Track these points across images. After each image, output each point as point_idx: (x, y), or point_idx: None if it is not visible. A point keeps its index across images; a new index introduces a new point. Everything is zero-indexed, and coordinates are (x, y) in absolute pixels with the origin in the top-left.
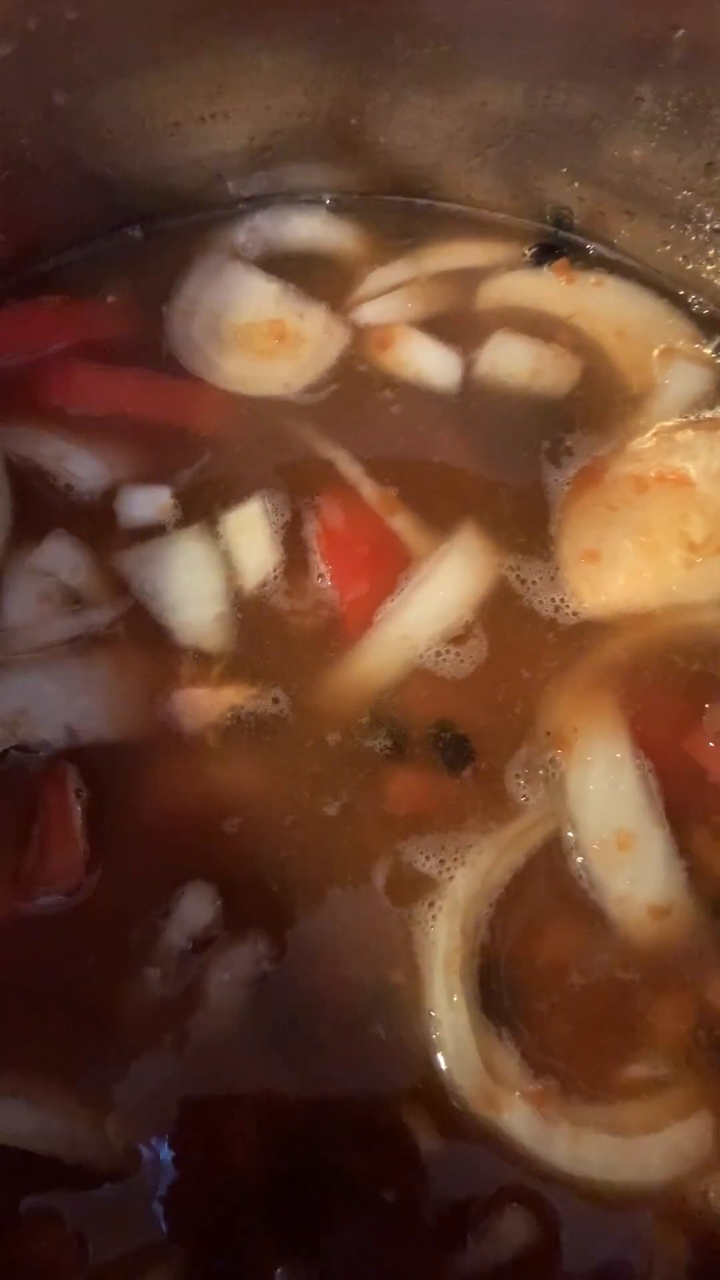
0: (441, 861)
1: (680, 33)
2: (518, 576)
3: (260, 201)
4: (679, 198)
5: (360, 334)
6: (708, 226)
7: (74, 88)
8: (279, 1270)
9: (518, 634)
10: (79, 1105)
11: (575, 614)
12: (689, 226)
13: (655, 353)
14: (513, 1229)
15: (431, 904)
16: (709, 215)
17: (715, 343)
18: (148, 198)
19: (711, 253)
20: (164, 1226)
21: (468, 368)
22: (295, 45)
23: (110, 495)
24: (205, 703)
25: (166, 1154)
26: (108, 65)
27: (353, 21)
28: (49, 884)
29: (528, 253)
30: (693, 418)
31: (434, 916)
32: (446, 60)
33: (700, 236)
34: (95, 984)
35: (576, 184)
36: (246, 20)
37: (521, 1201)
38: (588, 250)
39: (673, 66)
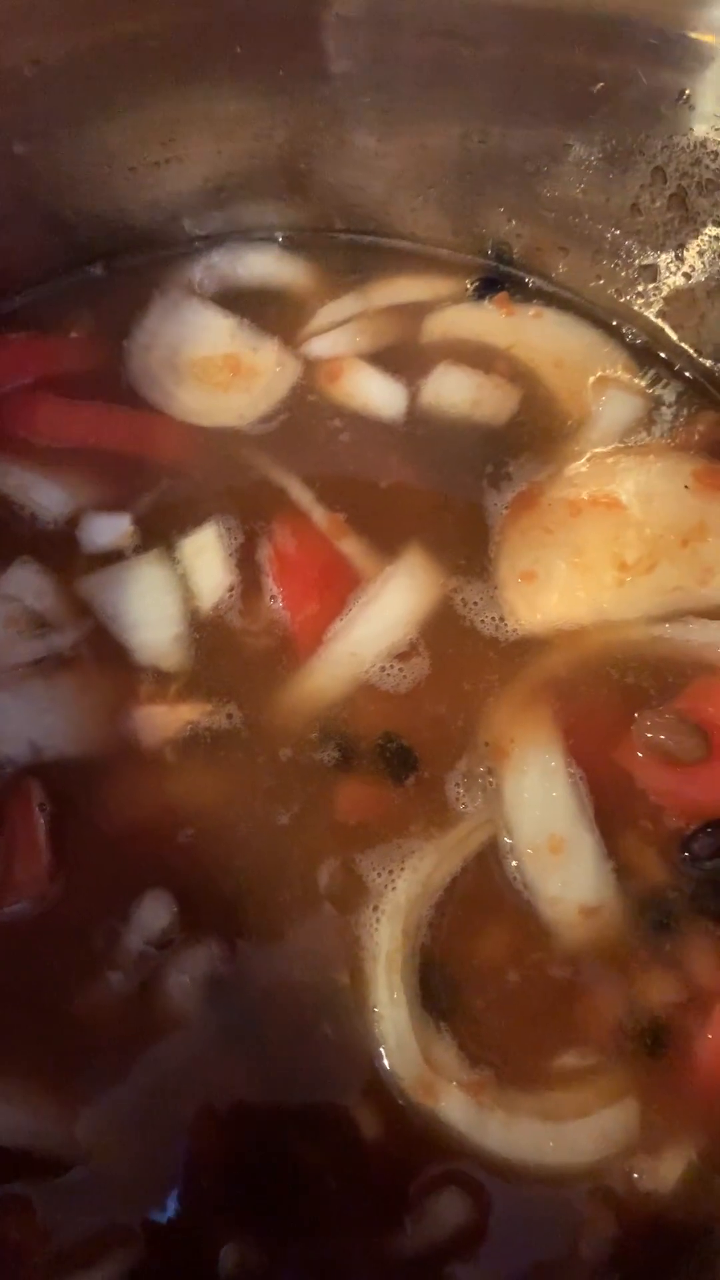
0: (386, 868)
1: (600, 85)
2: (459, 596)
3: (216, 239)
4: (609, 235)
5: (311, 366)
6: (636, 262)
7: (32, 138)
8: (226, 1246)
9: (459, 650)
10: (44, 1100)
11: (513, 631)
12: (619, 262)
13: (591, 381)
14: (449, 1210)
15: (375, 908)
16: (635, 252)
17: (649, 373)
18: (108, 237)
19: (641, 287)
20: (125, 1211)
21: (413, 398)
22: (243, 94)
23: (73, 523)
24: (163, 719)
25: (126, 1143)
26: (64, 116)
27: (295, 72)
28: (14, 892)
29: (470, 286)
30: (625, 444)
31: (378, 919)
32: (386, 107)
33: (629, 272)
34: (59, 986)
35: (514, 221)
36: (193, 73)
37: (457, 1184)
38: (527, 283)
39: (597, 116)
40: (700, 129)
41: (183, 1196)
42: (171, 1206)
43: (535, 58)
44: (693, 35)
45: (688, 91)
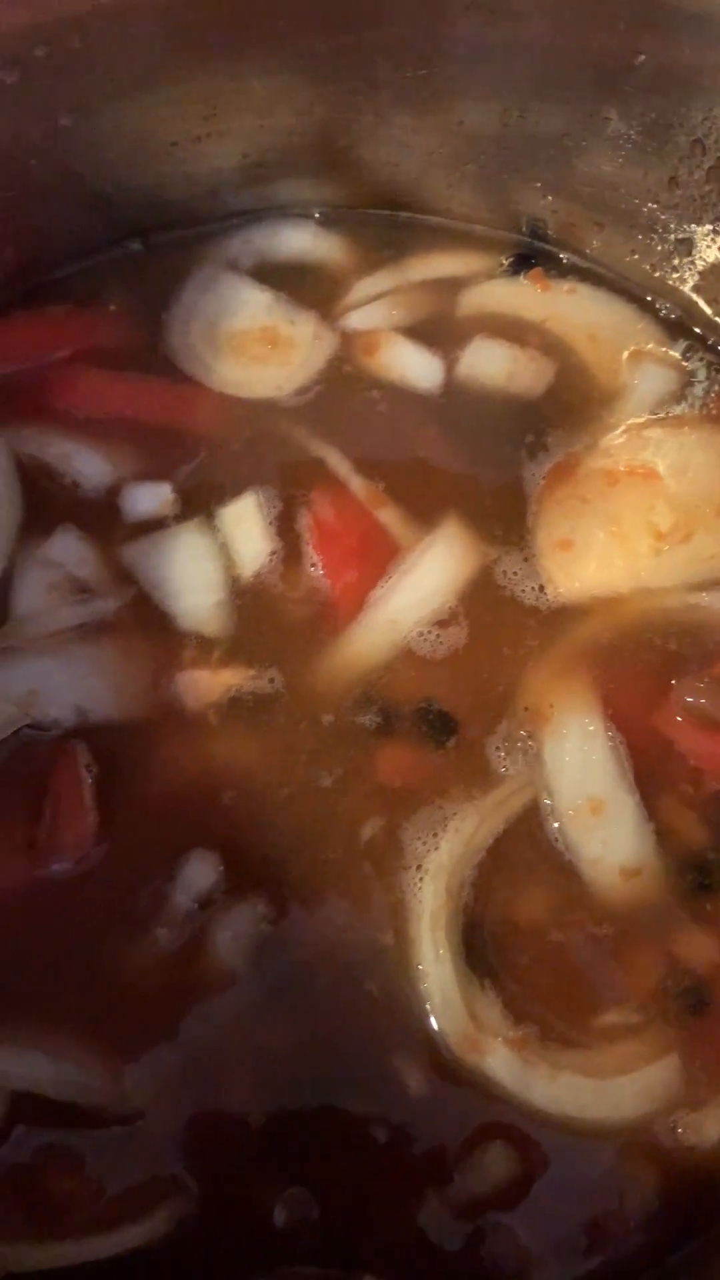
0: (429, 829)
1: (642, 58)
2: (497, 565)
3: (253, 215)
4: (645, 210)
5: (348, 340)
6: (671, 237)
7: (77, 111)
8: (281, 1197)
9: (497, 618)
10: (92, 1056)
11: (551, 599)
12: (654, 237)
13: (625, 355)
14: (495, 1163)
15: (419, 867)
16: (672, 226)
17: (681, 345)
18: (147, 212)
19: (676, 261)
20: (174, 1163)
21: (449, 371)
22: (284, 70)
23: (114, 492)
24: (206, 684)
25: (175, 1097)
26: (108, 90)
27: (337, 48)
28: (61, 852)
29: (505, 262)
30: (660, 415)
31: (421, 879)
32: (425, 83)
33: (665, 246)
34: (107, 945)
35: (549, 197)
36: (238, 47)
37: (503, 1138)
38: (561, 259)
39: (636, 89)
40: None
41: (231, 1150)
42: (220, 1159)
43: (577, 32)
44: None
45: None
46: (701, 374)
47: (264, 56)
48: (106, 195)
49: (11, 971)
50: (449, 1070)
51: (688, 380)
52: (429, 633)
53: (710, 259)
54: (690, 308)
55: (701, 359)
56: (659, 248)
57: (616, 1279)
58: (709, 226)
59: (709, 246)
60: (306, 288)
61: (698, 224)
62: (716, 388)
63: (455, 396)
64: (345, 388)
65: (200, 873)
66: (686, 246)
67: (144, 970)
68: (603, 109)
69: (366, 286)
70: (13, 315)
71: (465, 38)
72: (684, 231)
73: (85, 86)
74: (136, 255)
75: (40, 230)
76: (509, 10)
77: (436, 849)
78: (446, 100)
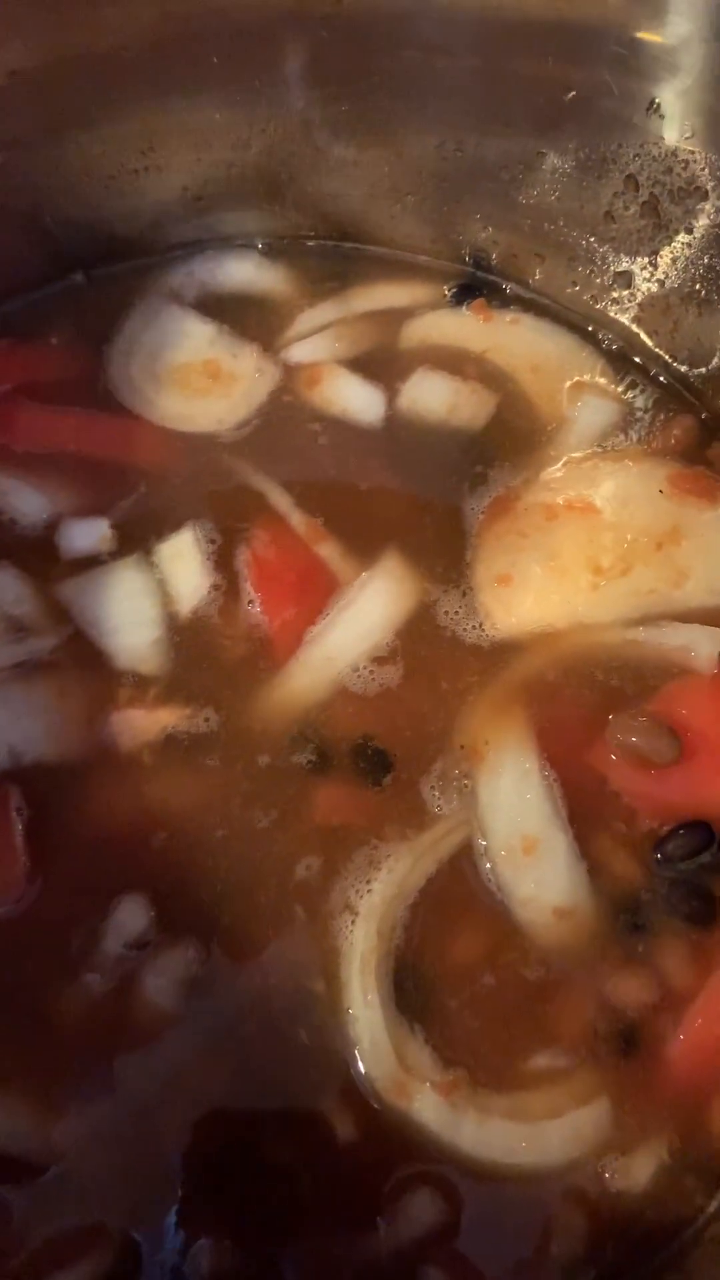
0: (362, 870)
1: (572, 94)
2: (436, 600)
3: (196, 247)
4: (584, 243)
5: (290, 372)
6: (610, 269)
7: (9, 149)
8: (201, 1241)
9: (435, 654)
10: (20, 1102)
11: (489, 635)
12: (594, 269)
13: (567, 386)
14: (422, 1210)
15: (351, 909)
16: (610, 259)
17: (624, 377)
18: (89, 245)
19: (616, 293)
20: (98, 1212)
21: (391, 403)
22: (220, 105)
23: (52, 528)
24: (141, 723)
25: (103, 1145)
26: (40, 127)
27: (270, 82)
28: None
29: (448, 293)
30: (601, 448)
31: (353, 921)
32: (361, 117)
33: (604, 278)
34: (36, 989)
35: (490, 229)
36: (170, 84)
37: (431, 1184)
38: (504, 290)
39: (569, 125)
40: (671, 137)
41: (158, 1198)
42: (147, 1208)
43: (508, 68)
44: (660, 43)
45: (658, 100)
46: (643, 405)
47: (197, 92)
48: (45, 228)
49: None
50: (377, 1115)
51: (629, 412)
52: (367, 670)
53: (648, 291)
54: (631, 339)
55: (642, 391)
56: (599, 280)
57: None
58: (645, 260)
59: (646, 280)
60: (250, 319)
61: (634, 257)
62: (659, 420)
63: (397, 429)
64: (287, 421)
65: (131, 916)
66: (626, 279)
67: (74, 1015)
68: (538, 144)
69: (310, 318)
70: None
71: (399, 73)
72: (622, 264)
73: (15, 124)
74: (78, 288)
75: None
76: (440, 46)
77: (369, 891)
78: (383, 133)
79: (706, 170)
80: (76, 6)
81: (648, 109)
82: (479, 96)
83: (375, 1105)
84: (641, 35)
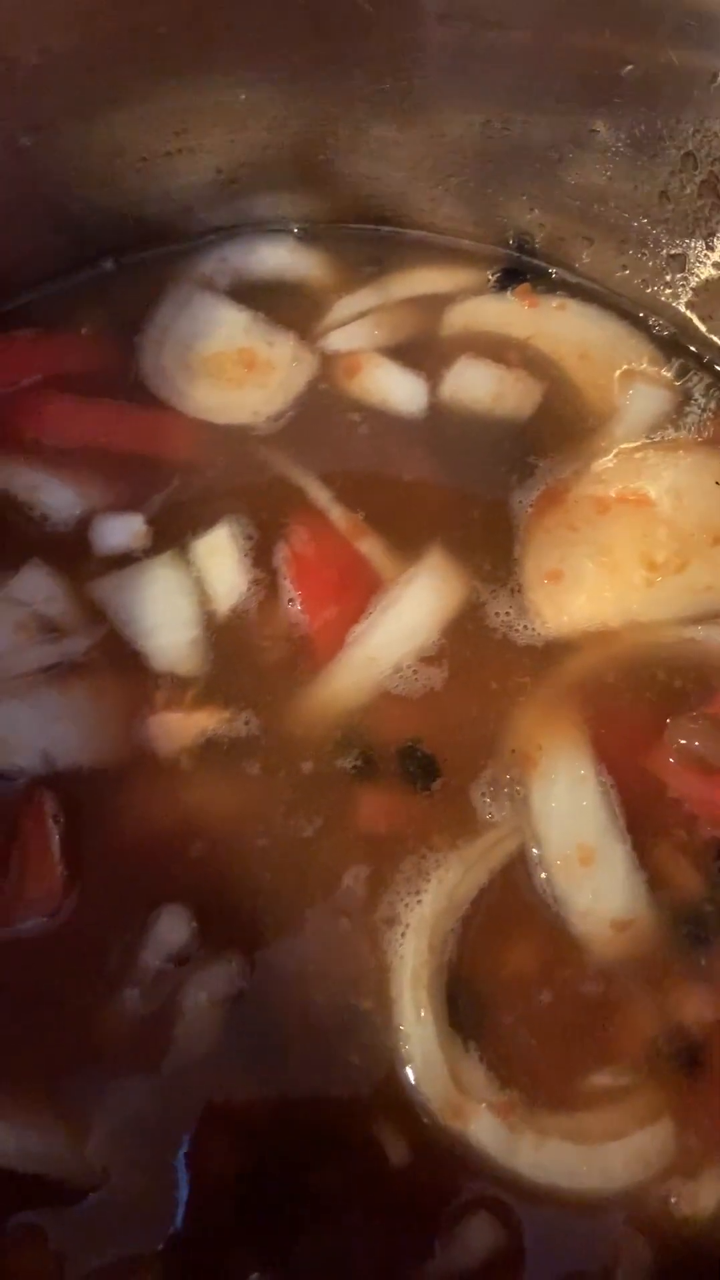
0: (410, 881)
1: (629, 68)
2: (483, 598)
3: (229, 232)
4: (636, 225)
5: (328, 361)
6: (664, 252)
7: (37, 131)
8: (253, 1276)
9: (483, 654)
10: (58, 1124)
11: (539, 634)
12: (646, 252)
13: (616, 375)
14: (479, 1236)
15: (400, 922)
16: (664, 241)
17: (675, 365)
18: (119, 231)
19: (669, 277)
20: (141, 1239)
21: (433, 392)
22: (256, 83)
23: (84, 524)
24: (179, 726)
25: (143, 1169)
26: (71, 107)
27: (310, 59)
28: (27, 908)
29: (492, 278)
30: (653, 438)
31: (402, 934)
32: (403, 94)
33: (657, 261)
34: (74, 1005)
35: (536, 211)
36: (206, 61)
37: (488, 1209)
38: (550, 274)
39: (624, 100)
40: None
41: (200, 1224)
42: (188, 1235)
43: (561, 41)
44: None
45: None
46: (697, 394)
47: (233, 69)
48: (74, 214)
49: None
50: (430, 1137)
51: (682, 401)
52: (412, 671)
53: (704, 275)
54: (684, 325)
55: (697, 379)
56: (651, 263)
57: None
58: (702, 242)
59: (702, 262)
60: (285, 307)
61: (690, 239)
62: (712, 409)
63: (439, 420)
64: (325, 412)
65: (172, 929)
66: (679, 262)
67: (112, 1032)
68: (589, 120)
69: (347, 305)
70: None
71: (444, 47)
72: (676, 246)
73: (45, 105)
74: (108, 275)
75: (4, 253)
76: (489, 19)
77: (419, 902)
78: (426, 111)
79: None
80: None
81: (710, 82)
82: (529, 71)
83: (429, 1127)
84: (708, 6)
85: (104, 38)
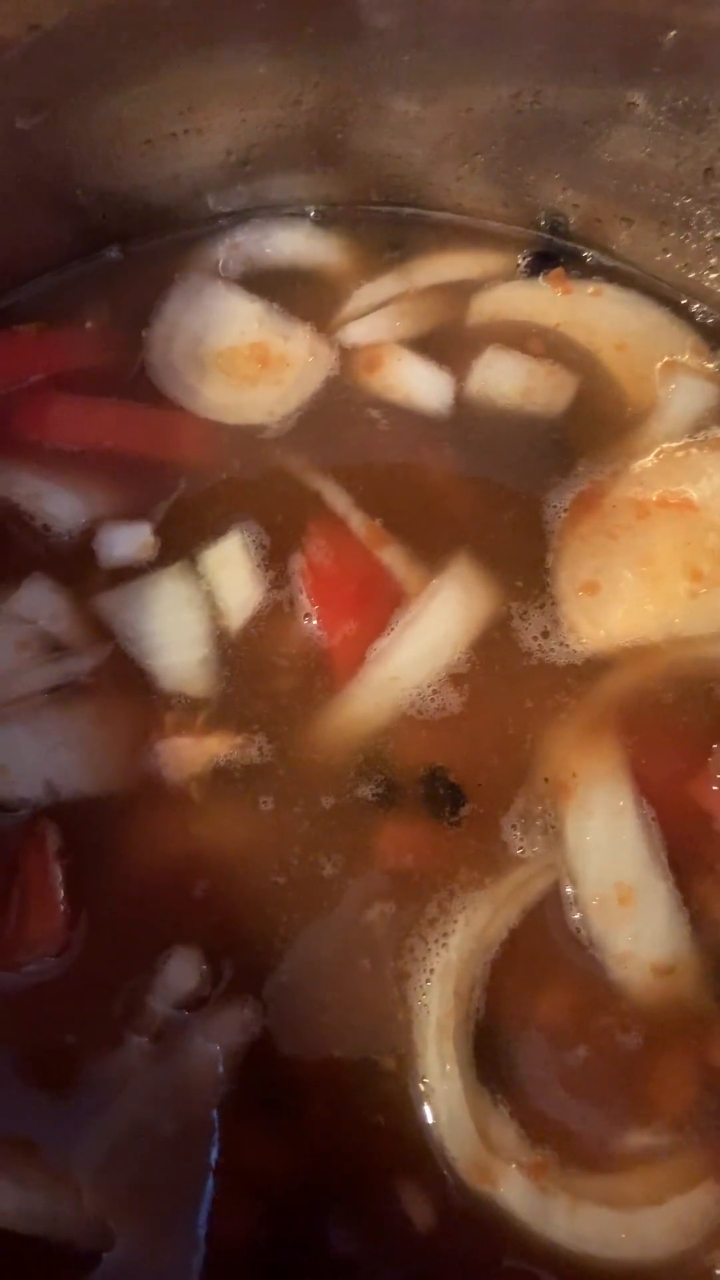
0: (435, 921)
1: (672, 34)
2: (513, 612)
3: (241, 216)
4: (678, 204)
5: (347, 355)
6: (708, 233)
7: (33, 113)
8: None
9: (513, 673)
10: (62, 1181)
11: (574, 650)
12: (689, 233)
13: (657, 366)
14: None
15: (425, 967)
16: (709, 221)
17: None
18: (124, 218)
19: (714, 260)
20: None
21: (459, 387)
22: (267, 57)
23: (88, 534)
24: (189, 753)
25: (155, 1229)
26: (70, 87)
27: (324, 31)
28: (28, 951)
29: (522, 262)
30: (698, 436)
31: (427, 979)
32: (427, 67)
33: (701, 244)
34: (78, 1054)
35: (570, 190)
36: (212, 35)
37: None
38: (585, 258)
39: (665, 69)
40: None
41: None
42: None
43: (596, 6)
44: None
45: None
46: None
47: (242, 43)
48: (75, 201)
49: None
50: (457, 1200)
51: None
52: (437, 691)
53: None
54: None
55: None
56: (694, 245)
57: None
58: None
59: None
60: (301, 297)
61: None
62: None
63: (466, 417)
64: (344, 410)
65: (182, 973)
66: None
67: (119, 1083)
68: (627, 92)
69: (368, 294)
70: None
71: (468, 15)
72: None
73: (42, 85)
74: (113, 265)
75: (3, 243)
76: None
77: (445, 945)
78: (451, 85)
79: None
80: None
81: None
82: (561, 40)
83: (455, 1190)
84: None
85: (98, 10)
